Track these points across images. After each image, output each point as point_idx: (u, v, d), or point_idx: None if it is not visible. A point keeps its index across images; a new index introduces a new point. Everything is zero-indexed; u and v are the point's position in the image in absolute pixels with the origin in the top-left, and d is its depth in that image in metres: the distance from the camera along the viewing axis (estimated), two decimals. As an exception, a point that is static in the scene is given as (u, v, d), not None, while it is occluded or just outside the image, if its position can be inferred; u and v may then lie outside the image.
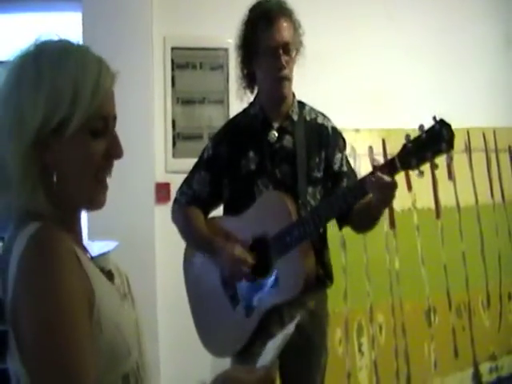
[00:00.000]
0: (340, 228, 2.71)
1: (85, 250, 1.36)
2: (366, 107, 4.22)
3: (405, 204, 4.16)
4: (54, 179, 1.26)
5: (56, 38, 1.33)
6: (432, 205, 4.30)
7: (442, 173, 4.22)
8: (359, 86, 4.26)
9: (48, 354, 1.14)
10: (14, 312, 1.19)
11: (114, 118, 1.34)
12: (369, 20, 4.35)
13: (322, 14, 3.98)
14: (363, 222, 2.59)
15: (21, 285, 1.18)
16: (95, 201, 1.34)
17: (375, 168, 2.26)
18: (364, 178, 2.31)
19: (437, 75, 4.48)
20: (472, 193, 4.45)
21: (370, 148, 4.13)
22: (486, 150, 4.54)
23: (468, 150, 4.42)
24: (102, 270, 1.38)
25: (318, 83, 3.74)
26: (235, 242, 2.58)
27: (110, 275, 1.41)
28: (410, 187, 3.89)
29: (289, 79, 2.58)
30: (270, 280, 2.51)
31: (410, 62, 4.42)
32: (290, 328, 1.47)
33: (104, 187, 1.34)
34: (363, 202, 2.40)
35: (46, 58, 1.26)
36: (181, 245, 2.82)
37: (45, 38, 1.32)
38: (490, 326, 4.43)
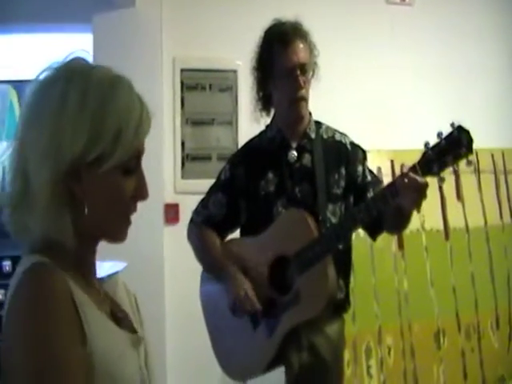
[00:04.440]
0: (374, 239, 2.70)
1: (92, 285, 1.32)
2: (374, 128, 4.22)
3: (413, 225, 4.07)
4: (86, 211, 1.23)
5: (87, 59, 1.29)
6: (441, 226, 4.29)
7: (450, 194, 4.22)
8: (367, 108, 4.27)
9: None
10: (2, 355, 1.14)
11: (143, 153, 1.31)
12: (374, 41, 4.37)
13: (326, 36, 3.96)
14: (394, 225, 2.59)
15: (10, 328, 1.14)
16: (120, 235, 1.32)
17: (403, 173, 2.23)
18: (394, 181, 2.29)
19: (444, 96, 4.48)
20: (481, 214, 4.44)
21: (379, 169, 4.12)
22: (495, 171, 4.53)
23: (477, 171, 4.42)
24: (112, 312, 1.33)
25: (326, 105, 3.75)
26: (251, 269, 2.55)
27: (117, 320, 1.33)
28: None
29: (305, 100, 2.58)
30: (291, 298, 2.45)
31: (417, 83, 4.43)
32: None
33: (128, 223, 1.32)
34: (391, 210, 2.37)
35: (94, 86, 1.21)
36: (189, 265, 2.80)
37: (76, 55, 1.27)
38: (499, 348, 4.40)
